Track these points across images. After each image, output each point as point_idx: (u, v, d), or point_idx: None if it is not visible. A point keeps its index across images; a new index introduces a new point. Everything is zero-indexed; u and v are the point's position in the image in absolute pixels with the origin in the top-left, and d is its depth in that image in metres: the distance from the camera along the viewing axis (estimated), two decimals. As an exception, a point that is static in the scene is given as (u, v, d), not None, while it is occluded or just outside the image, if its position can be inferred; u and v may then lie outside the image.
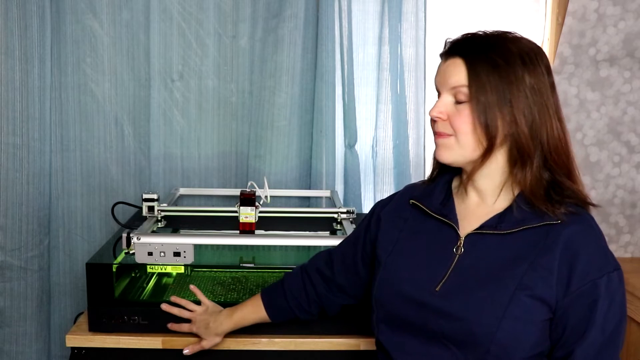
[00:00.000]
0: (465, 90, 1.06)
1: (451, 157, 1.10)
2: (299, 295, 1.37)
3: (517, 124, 1.05)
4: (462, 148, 1.08)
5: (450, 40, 1.12)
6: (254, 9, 2.00)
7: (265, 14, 2.00)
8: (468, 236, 1.11)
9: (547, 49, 2.13)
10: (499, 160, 1.09)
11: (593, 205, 1.10)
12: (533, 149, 1.06)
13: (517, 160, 1.07)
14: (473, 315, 1.04)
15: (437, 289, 1.09)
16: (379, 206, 1.30)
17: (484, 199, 1.14)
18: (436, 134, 1.11)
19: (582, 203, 1.09)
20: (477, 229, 1.10)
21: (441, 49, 1.14)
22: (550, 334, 1.05)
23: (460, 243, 1.11)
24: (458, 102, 1.08)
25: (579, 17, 2.03)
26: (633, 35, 2.05)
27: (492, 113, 1.05)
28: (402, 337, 1.12)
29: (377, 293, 1.16)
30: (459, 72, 1.07)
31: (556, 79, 2.06)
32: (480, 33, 1.10)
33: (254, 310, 1.40)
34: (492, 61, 1.05)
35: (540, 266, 1.03)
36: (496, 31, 1.10)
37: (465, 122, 1.07)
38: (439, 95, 1.12)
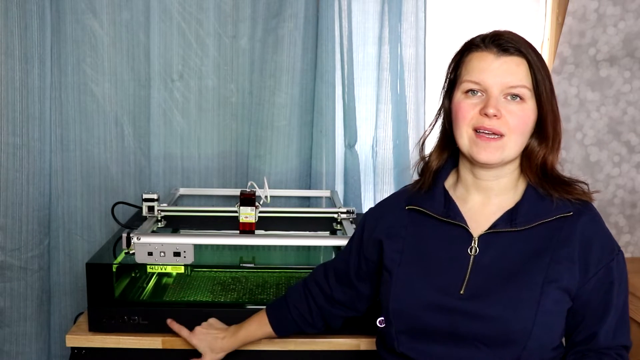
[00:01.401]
0: (526, 90, 1.07)
1: (498, 158, 1.08)
2: (302, 309, 1.35)
3: (556, 121, 1.11)
4: (512, 148, 1.09)
5: (483, 36, 1.10)
6: (254, 9, 2.00)
7: (265, 14, 2.00)
8: (482, 236, 1.11)
9: (547, 49, 2.13)
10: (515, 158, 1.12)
11: (593, 192, 1.15)
12: (556, 141, 1.12)
13: (533, 152, 1.11)
14: (509, 313, 1.04)
15: (461, 292, 1.08)
16: (371, 219, 1.27)
17: (489, 198, 1.14)
18: (484, 135, 1.08)
19: (582, 191, 1.12)
20: (490, 228, 1.11)
21: (468, 45, 1.12)
22: (569, 320, 1.09)
23: (475, 243, 1.11)
24: (513, 100, 1.07)
25: (579, 17, 2.03)
26: (633, 35, 2.05)
27: (545, 112, 1.09)
28: (427, 345, 1.10)
29: (395, 305, 1.13)
30: (519, 71, 1.07)
31: (556, 79, 2.08)
32: (508, 31, 1.11)
33: (259, 327, 1.38)
34: (542, 61, 1.09)
35: (562, 258, 1.07)
36: (510, 30, 1.12)
37: (524, 122, 1.08)
38: (482, 92, 1.08)
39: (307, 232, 1.69)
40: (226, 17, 2.01)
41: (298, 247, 1.73)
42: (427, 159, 1.21)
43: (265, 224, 1.72)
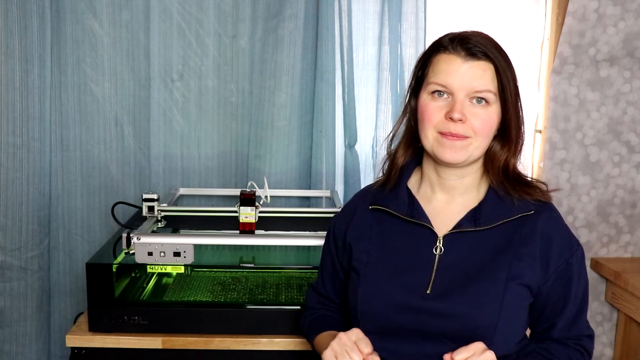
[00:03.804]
0: (491, 95, 1.08)
1: (463, 157, 1.10)
2: (327, 307, 1.32)
3: (519, 123, 1.13)
4: (477, 149, 1.11)
5: (452, 37, 1.10)
6: (254, 9, 2.00)
7: (265, 14, 2.00)
8: (446, 235, 1.12)
9: (547, 49, 2.13)
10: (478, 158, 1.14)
11: (551, 191, 1.17)
12: (519, 143, 1.14)
13: (496, 154, 1.13)
14: (474, 310, 1.07)
15: (427, 291, 1.09)
16: (338, 224, 1.26)
17: (454, 197, 1.16)
18: (449, 135, 1.09)
19: (541, 192, 1.14)
20: (454, 228, 1.12)
21: (436, 45, 1.12)
22: (531, 313, 1.14)
23: (440, 243, 1.12)
24: (478, 103, 1.08)
25: (579, 17, 2.03)
26: (633, 35, 2.05)
27: (509, 116, 1.11)
28: (395, 344, 1.11)
29: (363, 306, 1.14)
30: (486, 76, 1.08)
31: (556, 79, 2.08)
32: (477, 32, 1.11)
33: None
34: (509, 64, 1.10)
35: (524, 255, 1.10)
36: (479, 31, 1.13)
37: (489, 126, 1.10)
38: (448, 94, 1.09)
39: (307, 232, 1.69)
40: (226, 17, 2.01)
41: (298, 247, 1.73)
42: (393, 155, 1.21)
43: (265, 224, 1.73)
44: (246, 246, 1.68)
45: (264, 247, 1.69)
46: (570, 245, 1.13)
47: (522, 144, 1.15)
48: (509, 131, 1.12)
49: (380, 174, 1.25)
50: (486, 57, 1.08)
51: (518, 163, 1.16)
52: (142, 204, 1.75)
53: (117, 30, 1.99)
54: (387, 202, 1.18)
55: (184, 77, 2.04)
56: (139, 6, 1.98)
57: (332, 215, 1.80)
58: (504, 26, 2.11)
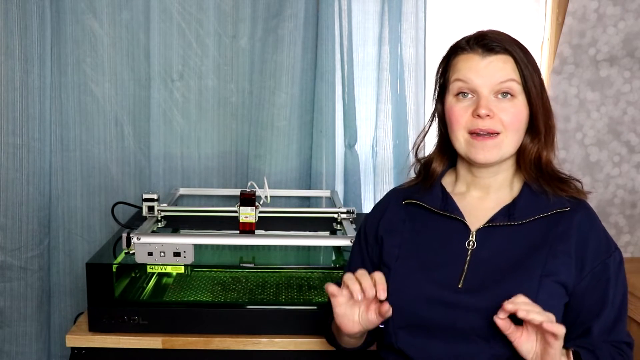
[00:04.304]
0: (515, 85, 1.08)
1: (496, 156, 1.10)
2: None
3: (548, 116, 1.12)
4: (509, 145, 1.10)
5: (467, 38, 1.11)
6: (254, 9, 2.00)
7: (265, 14, 2.00)
8: (479, 230, 1.12)
9: (547, 49, 2.13)
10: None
11: (587, 193, 1.16)
12: (549, 136, 1.13)
13: (526, 148, 1.12)
14: None
15: (459, 285, 1.08)
16: (371, 219, 1.26)
17: (488, 193, 1.16)
18: (480, 135, 1.09)
19: (576, 189, 1.13)
20: (488, 222, 1.11)
21: (447, 49, 1.14)
22: (566, 316, 1.10)
23: (472, 237, 1.11)
24: (504, 97, 1.08)
25: (579, 17, 2.03)
26: (633, 35, 2.06)
27: (535, 107, 1.10)
28: (424, 340, 1.10)
29: (394, 300, 1.11)
30: (506, 67, 1.08)
31: (556, 79, 2.08)
32: (492, 30, 1.12)
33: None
34: (529, 57, 1.10)
35: (560, 252, 1.08)
36: (494, 29, 1.13)
37: (518, 119, 1.09)
38: (472, 93, 1.09)
39: (307, 232, 1.69)
40: (226, 17, 2.01)
41: (298, 247, 1.73)
42: (428, 165, 1.21)
43: (265, 224, 1.72)
44: (246, 246, 1.68)
45: (264, 247, 1.69)
46: (608, 246, 1.12)
47: (554, 137, 1.14)
48: (536, 123, 1.11)
49: (412, 174, 1.25)
50: (504, 50, 1.08)
51: (553, 158, 1.15)
52: (142, 204, 1.75)
53: (117, 30, 1.99)
54: (421, 197, 1.18)
55: (184, 77, 2.04)
56: (139, 6, 1.98)
57: (332, 215, 1.81)
58: (504, 26, 2.11)
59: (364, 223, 1.29)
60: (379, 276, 1.04)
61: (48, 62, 1.96)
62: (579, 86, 2.08)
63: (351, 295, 1.04)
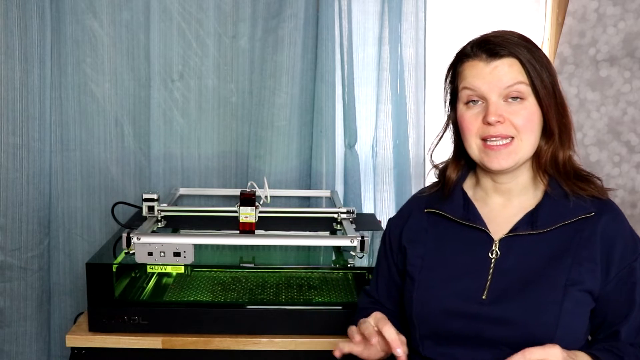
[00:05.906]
0: (523, 87, 1.07)
1: (511, 163, 1.08)
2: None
3: (562, 113, 1.10)
4: (524, 148, 1.08)
5: (472, 44, 1.10)
6: (254, 9, 2.00)
7: (265, 14, 2.00)
8: (502, 239, 1.10)
9: (547, 49, 2.13)
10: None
11: (608, 190, 1.14)
12: (565, 134, 1.11)
13: (541, 150, 1.10)
14: (532, 317, 1.04)
15: (483, 297, 1.07)
16: (394, 227, 1.24)
17: (510, 200, 1.14)
18: (493, 141, 1.07)
19: (596, 187, 1.11)
20: (511, 231, 1.10)
21: (453, 55, 1.12)
22: (592, 320, 1.09)
23: (495, 247, 1.10)
24: (514, 101, 1.07)
25: (579, 17, 2.03)
26: (633, 35, 2.05)
27: (546, 108, 1.08)
28: (451, 350, 1.09)
29: (418, 312, 1.11)
30: (512, 70, 1.07)
31: (556, 79, 2.07)
32: (497, 32, 1.11)
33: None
34: (537, 57, 1.08)
35: (584, 259, 1.06)
36: (501, 30, 1.12)
37: (530, 120, 1.07)
38: (481, 100, 1.08)
39: (307, 232, 1.69)
40: (226, 17, 2.02)
41: (298, 247, 1.73)
42: (443, 172, 1.20)
43: (265, 224, 1.72)
44: (246, 246, 1.68)
45: (264, 247, 1.69)
46: (634, 249, 1.09)
47: (570, 135, 1.12)
48: (549, 123, 1.09)
49: (429, 180, 1.24)
50: (509, 53, 1.07)
51: (573, 154, 1.12)
52: (142, 204, 1.75)
53: (117, 31, 1.99)
54: (442, 206, 1.17)
55: (184, 77, 2.04)
56: (139, 6, 1.98)
57: (332, 215, 1.81)
58: (504, 26, 2.11)
59: (387, 229, 1.28)
60: (389, 333, 1.03)
61: (48, 62, 1.96)
62: (579, 86, 2.08)
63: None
